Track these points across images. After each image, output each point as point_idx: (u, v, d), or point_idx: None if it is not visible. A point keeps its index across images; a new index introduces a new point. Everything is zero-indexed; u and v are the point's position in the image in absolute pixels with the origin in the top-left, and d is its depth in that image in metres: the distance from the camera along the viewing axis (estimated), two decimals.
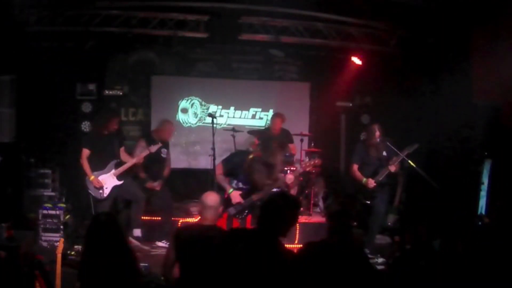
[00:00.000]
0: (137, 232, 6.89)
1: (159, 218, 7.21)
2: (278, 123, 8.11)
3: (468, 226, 5.77)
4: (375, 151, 6.76)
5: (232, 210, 5.90)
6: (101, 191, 6.54)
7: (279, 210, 3.40)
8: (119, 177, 6.65)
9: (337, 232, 3.76)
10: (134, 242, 6.63)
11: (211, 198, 4.18)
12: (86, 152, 6.52)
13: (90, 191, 6.57)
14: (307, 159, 6.78)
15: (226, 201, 5.89)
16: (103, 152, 6.61)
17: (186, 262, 3.93)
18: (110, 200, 6.66)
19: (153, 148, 6.72)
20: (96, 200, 6.57)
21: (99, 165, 6.57)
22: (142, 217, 7.04)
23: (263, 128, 8.93)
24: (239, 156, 6.14)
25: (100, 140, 6.63)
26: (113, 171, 6.61)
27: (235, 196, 5.90)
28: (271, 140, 8.03)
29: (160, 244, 6.91)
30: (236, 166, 5.95)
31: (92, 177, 6.49)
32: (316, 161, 6.37)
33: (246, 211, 5.95)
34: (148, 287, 4.82)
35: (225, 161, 6.08)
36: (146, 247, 6.76)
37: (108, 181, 6.59)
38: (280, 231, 3.41)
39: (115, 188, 6.63)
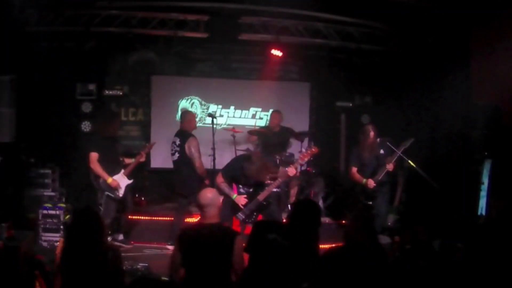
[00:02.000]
0: (120, 236, 6.92)
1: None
2: (275, 118, 8.20)
3: (468, 226, 5.77)
4: (371, 151, 6.78)
5: (241, 216, 5.91)
6: (117, 192, 6.62)
7: (308, 214, 3.88)
8: (129, 176, 6.74)
9: (361, 235, 3.76)
10: (117, 244, 6.62)
11: (205, 196, 4.11)
12: (95, 155, 6.55)
13: (107, 193, 6.61)
14: (303, 150, 6.74)
15: (234, 207, 5.91)
16: (110, 154, 6.67)
17: (191, 264, 3.93)
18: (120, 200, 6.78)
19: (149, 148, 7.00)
20: (112, 200, 6.64)
21: (109, 167, 6.61)
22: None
23: (263, 126, 8.93)
24: (237, 162, 6.11)
25: (106, 143, 6.67)
26: (122, 171, 6.68)
27: (240, 200, 5.91)
28: (270, 139, 8.11)
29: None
30: (236, 171, 5.93)
31: (110, 180, 6.54)
32: (313, 149, 6.21)
33: (255, 213, 5.95)
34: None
35: (225, 169, 6.09)
36: (128, 246, 6.81)
37: (121, 181, 6.66)
38: (308, 231, 3.83)
39: (127, 187, 6.73)
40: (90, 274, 3.58)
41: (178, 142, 6.85)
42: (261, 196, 5.88)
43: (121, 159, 6.86)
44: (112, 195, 6.63)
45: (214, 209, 4.08)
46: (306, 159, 6.35)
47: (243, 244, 3.95)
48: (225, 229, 4.16)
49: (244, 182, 5.93)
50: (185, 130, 6.92)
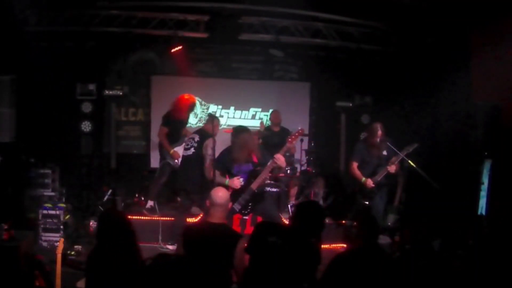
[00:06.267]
0: (150, 203, 7.56)
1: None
2: (276, 116, 8.23)
3: (468, 226, 5.77)
4: (376, 150, 6.73)
5: (237, 206, 5.93)
6: (176, 161, 7.42)
7: (311, 216, 3.91)
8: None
9: (365, 237, 3.77)
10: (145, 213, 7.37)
11: (221, 195, 4.12)
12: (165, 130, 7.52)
13: (169, 161, 7.45)
14: (292, 132, 6.67)
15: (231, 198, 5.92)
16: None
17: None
18: None
19: None
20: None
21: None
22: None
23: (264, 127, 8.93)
24: (225, 150, 6.23)
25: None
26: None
27: (234, 182, 5.83)
28: (270, 139, 8.10)
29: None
30: (224, 156, 6.04)
31: (172, 151, 7.41)
32: (300, 131, 6.16)
33: (250, 204, 5.93)
34: None
35: (215, 160, 6.15)
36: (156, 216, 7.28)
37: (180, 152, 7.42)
38: (311, 233, 3.87)
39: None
40: (116, 274, 3.55)
41: (197, 139, 6.94)
42: (254, 185, 5.85)
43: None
44: (172, 164, 7.50)
45: (223, 211, 4.12)
46: (294, 142, 6.40)
47: (245, 244, 3.96)
48: (230, 230, 4.19)
49: (235, 170, 5.93)
50: (207, 131, 6.98)
